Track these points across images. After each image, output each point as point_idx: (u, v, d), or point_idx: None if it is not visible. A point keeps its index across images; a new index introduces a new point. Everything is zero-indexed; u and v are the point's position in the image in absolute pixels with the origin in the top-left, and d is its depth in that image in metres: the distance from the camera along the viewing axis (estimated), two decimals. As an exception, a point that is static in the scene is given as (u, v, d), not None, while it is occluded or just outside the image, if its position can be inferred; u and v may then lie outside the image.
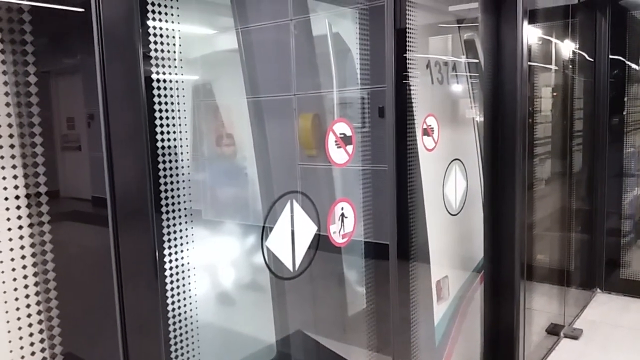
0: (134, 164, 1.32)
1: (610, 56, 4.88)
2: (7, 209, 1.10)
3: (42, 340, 1.16)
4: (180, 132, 1.42)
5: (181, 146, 1.43)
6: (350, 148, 2.12)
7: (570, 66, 4.36)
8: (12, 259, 1.11)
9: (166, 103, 1.38)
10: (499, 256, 3.30)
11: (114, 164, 1.25)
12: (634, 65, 4.90)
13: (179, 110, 1.42)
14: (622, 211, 5.01)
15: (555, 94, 4.14)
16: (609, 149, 4.97)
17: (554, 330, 4.06)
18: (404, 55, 2.33)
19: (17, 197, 1.11)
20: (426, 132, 2.56)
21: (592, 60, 4.83)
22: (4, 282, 1.10)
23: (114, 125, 1.25)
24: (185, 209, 1.44)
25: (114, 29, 1.24)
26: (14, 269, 1.11)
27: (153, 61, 1.35)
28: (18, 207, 1.11)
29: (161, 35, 1.37)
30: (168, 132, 1.39)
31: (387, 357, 2.37)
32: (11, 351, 1.12)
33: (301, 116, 2.18)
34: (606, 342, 4.04)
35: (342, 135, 2.08)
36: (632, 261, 5.00)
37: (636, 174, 5.03)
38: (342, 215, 2.09)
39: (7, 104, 1.09)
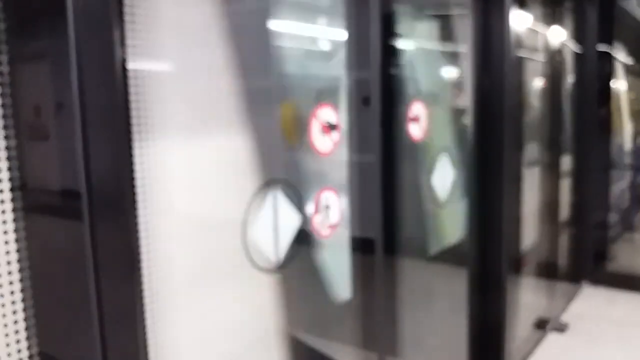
0: (110, 154, 1.23)
1: (598, 46, 4.85)
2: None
3: (16, 332, 1.13)
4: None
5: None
6: (335, 135, 2.03)
7: (558, 56, 4.32)
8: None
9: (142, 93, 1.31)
10: (485, 250, 3.25)
11: (90, 155, 1.17)
12: (621, 57, 4.89)
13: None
14: (609, 204, 5.01)
15: (543, 83, 4.11)
16: (596, 141, 4.95)
17: (540, 324, 4.04)
18: (390, 42, 2.26)
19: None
20: (413, 120, 2.49)
21: (579, 50, 4.80)
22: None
23: (89, 114, 1.16)
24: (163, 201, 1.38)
25: (89, 8, 1.13)
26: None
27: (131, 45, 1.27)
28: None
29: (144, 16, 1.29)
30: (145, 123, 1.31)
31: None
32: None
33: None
34: (592, 335, 4.03)
35: (327, 123, 1.99)
36: (619, 254, 5.01)
37: (624, 167, 5.04)
38: (327, 206, 2.01)
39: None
